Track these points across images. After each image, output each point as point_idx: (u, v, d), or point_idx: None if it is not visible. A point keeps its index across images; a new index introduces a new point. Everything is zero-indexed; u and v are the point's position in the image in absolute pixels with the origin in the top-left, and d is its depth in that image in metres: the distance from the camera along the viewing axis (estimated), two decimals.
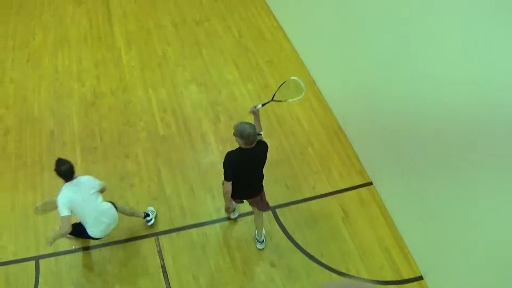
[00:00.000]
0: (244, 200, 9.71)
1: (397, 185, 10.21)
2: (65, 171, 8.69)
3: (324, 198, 10.85)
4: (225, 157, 8.55)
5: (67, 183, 8.73)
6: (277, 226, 10.37)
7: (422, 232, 9.68)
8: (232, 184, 8.66)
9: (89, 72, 13.70)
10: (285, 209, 10.67)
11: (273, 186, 10.89)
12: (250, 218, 10.39)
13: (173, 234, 10.36)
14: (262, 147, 8.76)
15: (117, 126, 12.31)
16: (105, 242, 10.20)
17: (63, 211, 8.55)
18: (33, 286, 9.67)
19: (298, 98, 9.17)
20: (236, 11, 15.74)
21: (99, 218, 9.04)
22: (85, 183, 8.96)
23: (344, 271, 9.70)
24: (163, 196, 10.93)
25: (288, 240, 10.17)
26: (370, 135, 10.91)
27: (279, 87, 9.26)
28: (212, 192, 10.92)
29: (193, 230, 10.40)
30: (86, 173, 10.85)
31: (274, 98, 9.20)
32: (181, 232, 10.38)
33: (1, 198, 11.06)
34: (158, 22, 15.48)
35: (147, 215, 10.21)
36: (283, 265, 9.82)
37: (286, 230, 10.30)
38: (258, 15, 15.50)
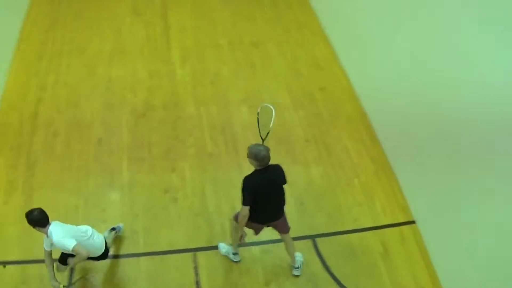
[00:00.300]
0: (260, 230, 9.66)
1: (440, 227, 10.16)
2: (38, 214, 8.30)
3: (365, 232, 10.85)
4: (244, 182, 8.66)
5: (49, 226, 8.40)
6: (315, 255, 10.37)
7: (461, 280, 9.58)
8: (253, 209, 8.77)
9: (142, 84, 13.97)
10: (325, 239, 10.66)
11: (315, 215, 11.00)
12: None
13: (211, 252, 10.42)
14: (277, 167, 8.96)
15: (166, 139, 12.51)
16: (143, 252, 10.42)
17: (70, 243, 8.34)
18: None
19: (272, 118, 9.29)
20: (293, 36, 15.93)
21: (91, 240, 8.94)
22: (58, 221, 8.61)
23: None
24: (205, 212, 11.05)
25: (324, 270, 10.15)
26: (418, 173, 10.89)
27: (258, 125, 9.34)
28: None
29: None
30: (130, 182, 11.19)
31: (263, 138, 9.31)
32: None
33: (44, 198, 11.28)
34: (215, 40, 15.72)
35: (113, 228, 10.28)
36: None
37: (324, 260, 10.29)
38: (314, 42, 15.67)
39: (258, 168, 8.61)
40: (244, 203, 8.65)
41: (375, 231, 10.85)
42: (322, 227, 10.85)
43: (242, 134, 12.70)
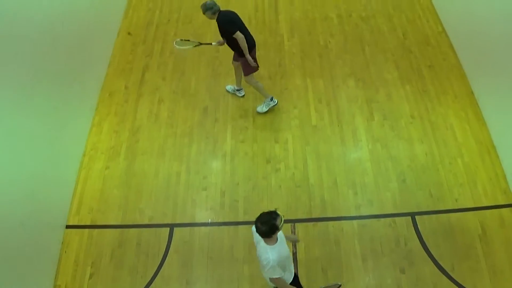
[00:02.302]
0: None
1: None
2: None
3: (464, 212, 11.12)
4: (222, 19, 11.80)
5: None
6: (414, 233, 10.80)
7: None
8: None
9: None
10: (425, 217, 11.04)
11: (416, 192, 11.43)
12: (388, 220, 11.03)
13: (310, 224, 11.06)
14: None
15: (271, 110, 13.11)
16: (243, 220, 11.16)
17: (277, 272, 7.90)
18: (163, 252, 10.77)
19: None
20: (403, 12, 16.21)
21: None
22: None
23: None
24: (306, 184, 11.66)
25: (422, 248, 10.58)
26: None
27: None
28: (355, 188, 11.52)
29: (330, 223, 11.04)
30: (233, 150, 12.21)
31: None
32: (318, 223, 11.07)
33: (147, 163, 12.30)
34: (324, 13, 16.20)
35: None
36: (412, 273, 10.24)
37: (422, 238, 10.71)
38: (424, 18, 15.91)
39: (218, 11, 11.76)
40: (236, 32, 11.67)
41: (474, 212, 11.10)
42: (423, 205, 11.25)
43: (347, 107, 13.19)
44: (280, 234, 7.97)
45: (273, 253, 7.74)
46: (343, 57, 14.65)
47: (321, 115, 13.05)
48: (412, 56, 14.61)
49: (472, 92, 13.45)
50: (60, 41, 11.57)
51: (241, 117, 13.03)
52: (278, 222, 7.54)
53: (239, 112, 13.17)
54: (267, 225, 7.50)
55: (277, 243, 7.87)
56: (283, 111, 13.16)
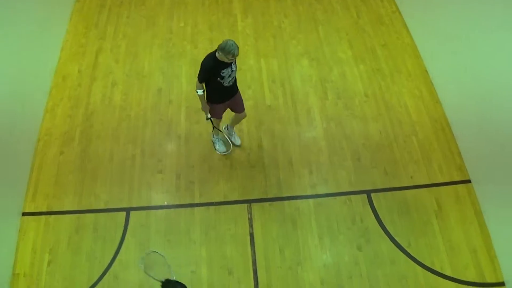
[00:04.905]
0: None
1: (496, 188, 10.37)
2: None
3: (420, 189, 11.19)
4: None
5: None
6: (370, 210, 10.84)
7: None
8: None
9: (203, 35, 14.52)
10: (380, 194, 11.09)
11: (371, 170, 11.45)
12: (344, 198, 11.03)
13: (266, 204, 11.00)
14: None
15: None
16: (199, 202, 11.07)
17: None
18: (120, 236, 10.65)
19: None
20: None
21: None
22: None
23: (428, 264, 10.07)
24: (261, 165, 11.61)
25: (378, 225, 10.62)
26: (478, 135, 11.01)
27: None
28: (310, 167, 11.50)
29: (286, 203, 11.01)
30: (187, 132, 12.00)
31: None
32: (274, 203, 11.02)
33: (101, 147, 12.11)
34: None
35: None
36: (369, 250, 10.29)
37: (378, 215, 10.75)
38: None
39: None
40: None
41: (430, 188, 11.18)
42: (378, 182, 11.29)
43: (301, 87, 13.13)
44: None
45: None
46: (297, 37, 14.58)
47: (275, 95, 12.99)
48: (366, 35, 14.60)
49: (426, 71, 13.48)
50: (10, 27, 11.34)
51: (195, 98, 12.57)
52: None
53: (193, 94, 12.84)
54: None
55: None
56: None
